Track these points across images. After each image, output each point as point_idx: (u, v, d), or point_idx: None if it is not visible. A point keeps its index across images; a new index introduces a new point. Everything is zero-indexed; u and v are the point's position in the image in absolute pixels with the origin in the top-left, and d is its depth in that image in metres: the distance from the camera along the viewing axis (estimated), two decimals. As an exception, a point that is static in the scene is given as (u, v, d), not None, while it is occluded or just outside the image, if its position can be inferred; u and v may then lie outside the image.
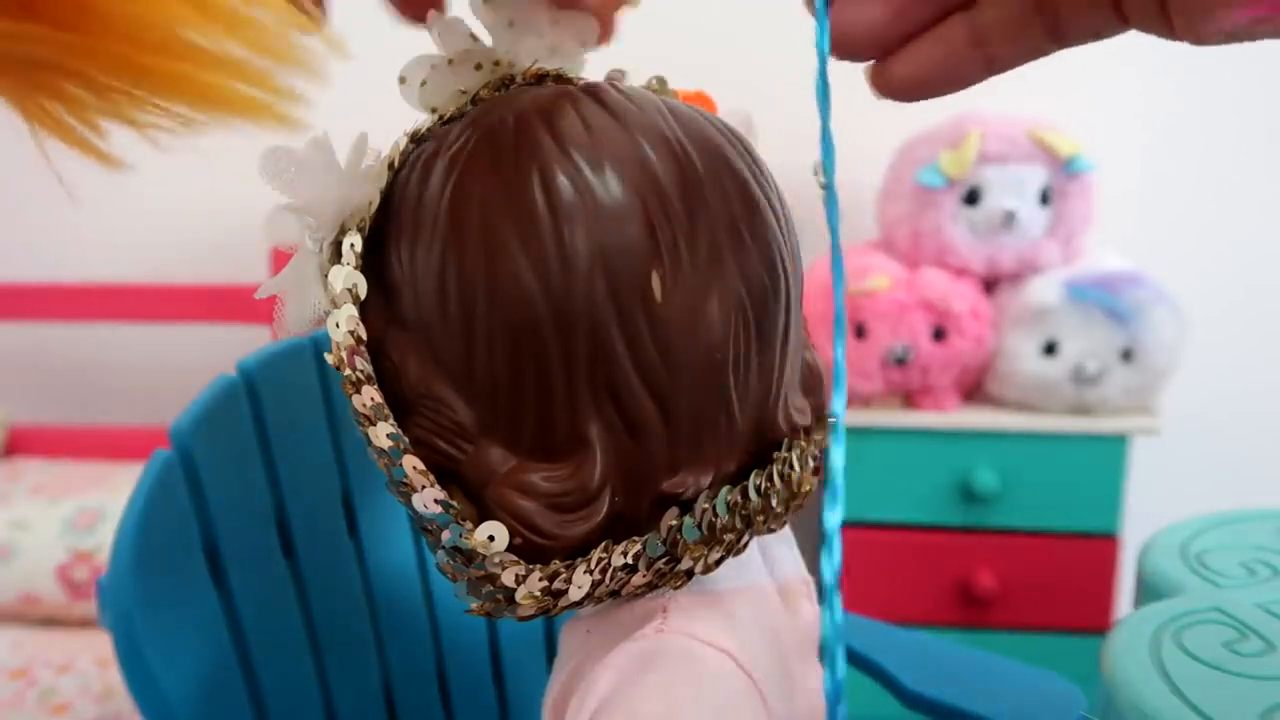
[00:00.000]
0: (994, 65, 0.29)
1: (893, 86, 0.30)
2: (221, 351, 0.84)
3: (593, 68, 0.40)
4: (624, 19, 0.39)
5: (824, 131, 0.31)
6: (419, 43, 0.37)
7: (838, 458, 0.26)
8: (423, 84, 0.36)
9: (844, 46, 0.30)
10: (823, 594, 0.25)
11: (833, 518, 0.25)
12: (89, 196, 1.43)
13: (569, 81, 0.38)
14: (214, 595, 0.52)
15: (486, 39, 0.37)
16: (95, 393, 1.55)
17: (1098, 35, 0.28)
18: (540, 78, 0.38)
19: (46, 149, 0.25)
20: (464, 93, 0.37)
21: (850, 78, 0.35)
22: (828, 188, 0.31)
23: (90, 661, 1.13)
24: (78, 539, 1.21)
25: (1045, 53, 0.28)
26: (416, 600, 0.64)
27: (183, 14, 0.23)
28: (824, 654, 0.24)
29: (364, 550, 0.62)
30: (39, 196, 1.45)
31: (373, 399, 0.33)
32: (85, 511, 1.24)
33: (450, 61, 0.36)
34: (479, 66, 0.37)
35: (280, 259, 0.35)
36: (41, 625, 1.22)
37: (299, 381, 0.59)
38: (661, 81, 0.40)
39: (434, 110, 0.37)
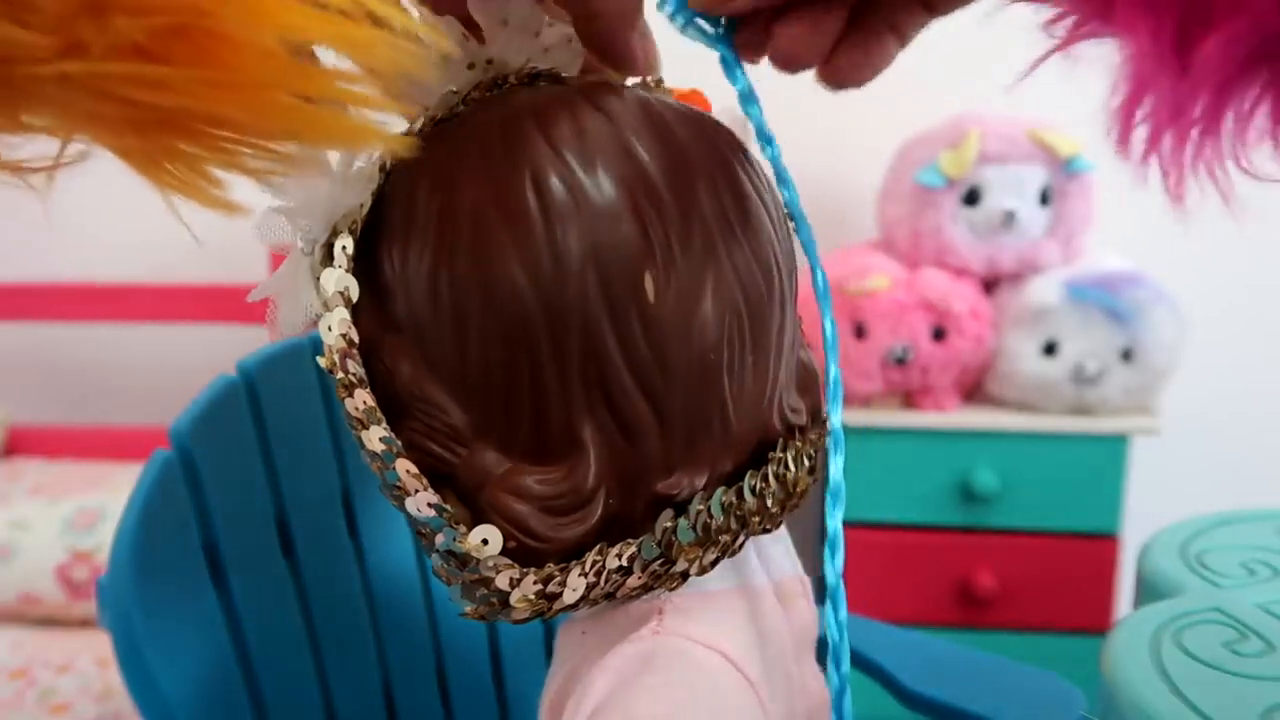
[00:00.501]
0: (904, 40, 0.35)
1: (841, 77, 0.35)
2: (221, 351, 0.84)
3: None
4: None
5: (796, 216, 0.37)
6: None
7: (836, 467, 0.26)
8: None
9: (789, 64, 0.34)
10: (821, 596, 0.25)
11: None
12: (89, 197, 1.44)
13: (562, 81, 0.38)
14: (213, 595, 0.52)
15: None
16: (95, 393, 1.55)
17: (965, 3, 0.34)
18: (533, 77, 0.38)
19: (170, 201, 0.27)
20: (456, 93, 0.37)
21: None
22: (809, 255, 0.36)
23: (90, 661, 1.13)
24: (77, 539, 1.21)
25: (927, 23, 0.35)
26: (416, 600, 0.64)
27: (296, 23, 0.23)
28: (827, 657, 0.24)
29: (364, 550, 0.62)
30: (39, 197, 1.45)
31: (365, 402, 0.33)
32: (85, 511, 1.24)
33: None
34: (471, 66, 0.37)
35: (279, 259, 0.35)
36: (41, 625, 1.22)
37: (299, 381, 0.59)
38: (656, 81, 0.40)
39: (426, 110, 0.37)
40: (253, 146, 0.26)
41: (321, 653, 0.58)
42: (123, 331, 1.46)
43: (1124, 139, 0.25)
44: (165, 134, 0.25)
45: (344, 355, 0.33)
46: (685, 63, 0.43)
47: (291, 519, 0.57)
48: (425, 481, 0.33)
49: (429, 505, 0.32)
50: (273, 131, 0.26)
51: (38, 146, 0.26)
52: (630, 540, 0.34)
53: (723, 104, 0.39)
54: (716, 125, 0.36)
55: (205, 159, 0.26)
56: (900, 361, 1.16)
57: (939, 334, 1.16)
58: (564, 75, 0.39)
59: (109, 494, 1.27)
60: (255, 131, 0.25)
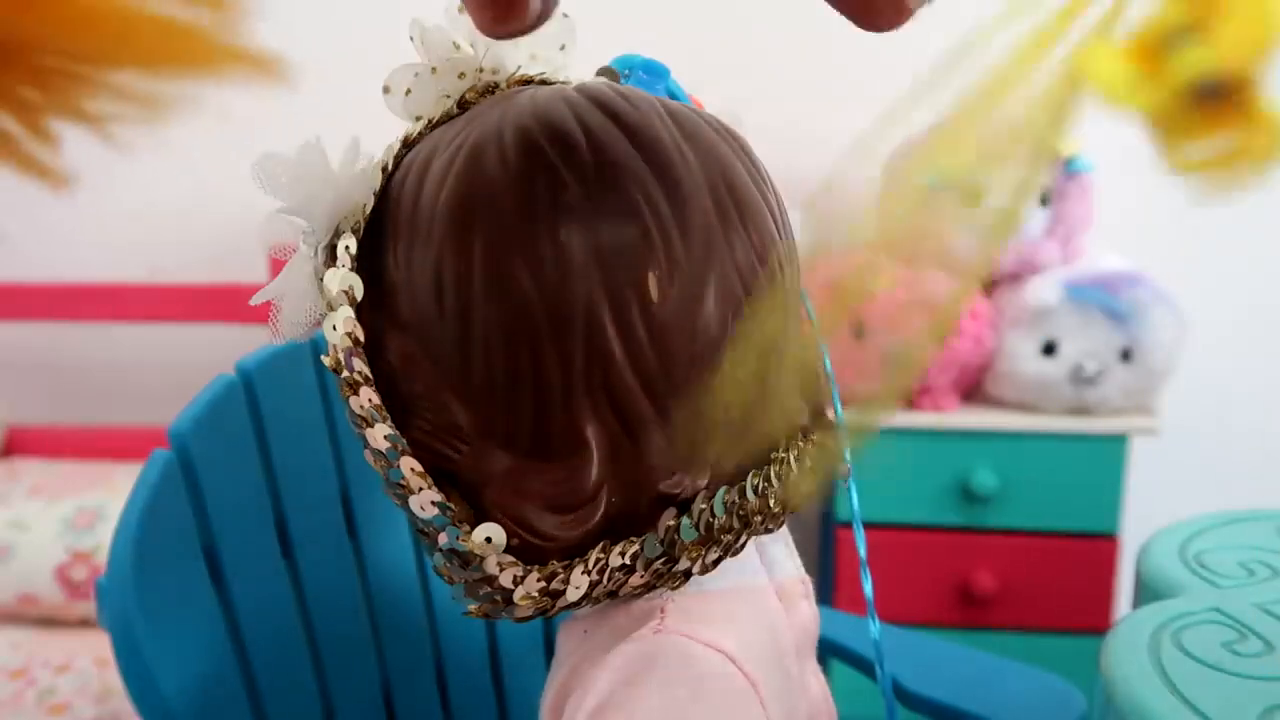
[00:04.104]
0: None
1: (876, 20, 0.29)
2: (221, 351, 0.84)
3: (583, 67, 0.40)
4: (613, 20, 0.39)
5: None
6: (407, 51, 0.37)
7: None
8: (407, 93, 0.36)
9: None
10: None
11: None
12: (89, 197, 1.44)
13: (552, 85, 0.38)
14: (213, 595, 0.52)
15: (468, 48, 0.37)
16: (95, 393, 1.55)
17: None
18: (525, 84, 0.38)
19: None
20: (448, 97, 0.37)
21: (853, 80, 0.36)
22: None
23: (89, 661, 1.13)
24: (77, 539, 1.21)
25: None
26: (416, 600, 0.64)
27: None
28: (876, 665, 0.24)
29: (363, 550, 0.62)
30: (38, 196, 1.45)
31: (370, 400, 0.33)
32: (84, 511, 1.24)
33: (434, 70, 0.37)
34: (462, 75, 0.37)
35: (278, 263, 0.35)
36: (40, 625, 1.22)
37: (298, 381, 0.59)
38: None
39: (419, 118, 0.37)
40: (93, 85, 0.20)
41: (320, 653, 0.58)
42: (123, 331, 1.46)
43: None
44: None
45: (349, 354, 0.33)
46: (679, 64, 0.43)
47: (291, 519, 0.57)
48: (429, 480, 0.33)
49: (432, 504, 0.33)
50: (113, 53, 0.19)
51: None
52: (633, 538, 0.34)
53: (718, 104, 0.39)
54: (717, 124, 0.37)
55: (39, 105, 0.20)
56: (900, 362, 1.16)
57: (938, 334, 1.16)
58: (554, 80, 0.39)
59: (108, 494, 1.26)
60: (92, 55, 0.19)
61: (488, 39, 0.37)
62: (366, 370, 0.33)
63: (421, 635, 0.64)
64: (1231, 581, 0.57)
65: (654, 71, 0.39)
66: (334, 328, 0.33)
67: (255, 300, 0.35)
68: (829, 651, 0.71)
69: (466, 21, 0.36)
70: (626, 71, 0.39)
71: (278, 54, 0.22)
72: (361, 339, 0.34)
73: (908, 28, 0.32)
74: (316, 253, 0.34)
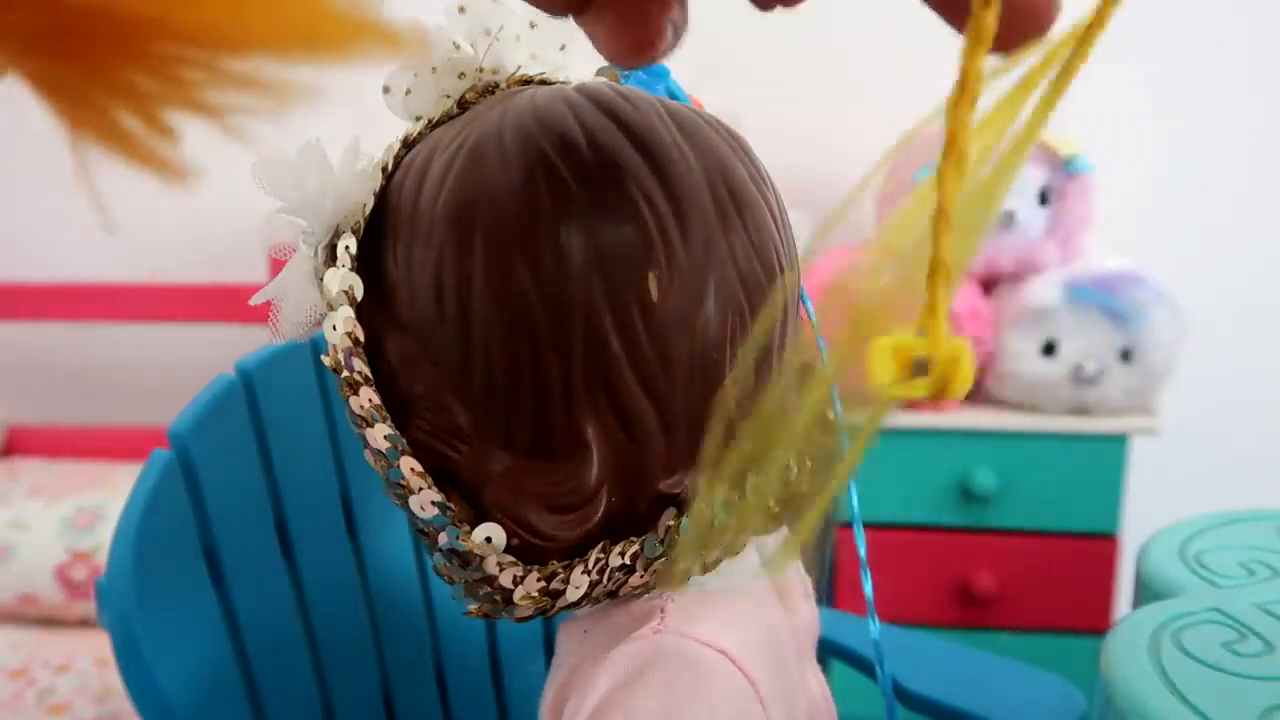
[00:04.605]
0: None
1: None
2: (221, 351, 0.84)
3: (583, 67, 0.40)
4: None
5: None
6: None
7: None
8: (407, 93, 0.37)
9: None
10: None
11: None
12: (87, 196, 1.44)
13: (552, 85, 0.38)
14: (212, 595, 0.52)
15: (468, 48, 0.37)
16: (95, 393, 1.55)
17: None
18: (525, 84, 0.38)
19: (90, 164, 0.18)
20: (448, 97, 0.37)
21: (852, 81, 0.36)
22: None
23: (89, 661, 1.13)
24: (76, 539, 1.21)
25: None
26: (415, 600, 0.64)
27: None
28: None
29: (363, 550, 0.62)
30: (39, 196, 1.45)
31: (370, 400, 0.33)
32: (84, 511, 1.24)
33: (434, 70, 0.37)
34: (462, 75, 0.37)
35: (278, 263, 0.35)
36: (40, 625, 1.22)
37: (298, 381, 0.59)
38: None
39: (419, 118, 0.37)
40: (211, 65, 0.17)
41: (320, 653, 0.58)
42: (123, 331, 1.46)
43: None
44: (90, 51, 0.17)
45: (349, 354, 0.33)
46: (676, 66, 0.43)
47: (290, 519, 0.57)
48: (429, 480, 0.33)
49: (432, 504, 0.33)
50: (235, 37, 0.17)
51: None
52: (633, 538, 0.34)
53: (718, 104, 0.39)
54: (717, 124, 0.37)
55: (158, 95, 0.18)
56: (900, 362, 1.16)
57: (938, 334, 1.16)
58: (554, 80, 0.39)
59: (108, 494, 1.27)
60: (211, 39, 0.17)
61: (488, 39, 0.37)
62: (366, 370, 0.33)
63: (421, 635, 0.64)
64: (1231, 581, 0.57)
65: (654, 71, 0.39)
66: (334, 328, 0.33)
67: (255, 300, 0.35)
68: (829, 651, 0.71)
69: (466, 21, 0.36)
70: (627, 71, 0.39)
71: (414, 25, 0.19)
72: (361, 339, 0.34)
73: (903, 33, 0.32)
74: (316, 253, 0.34)
